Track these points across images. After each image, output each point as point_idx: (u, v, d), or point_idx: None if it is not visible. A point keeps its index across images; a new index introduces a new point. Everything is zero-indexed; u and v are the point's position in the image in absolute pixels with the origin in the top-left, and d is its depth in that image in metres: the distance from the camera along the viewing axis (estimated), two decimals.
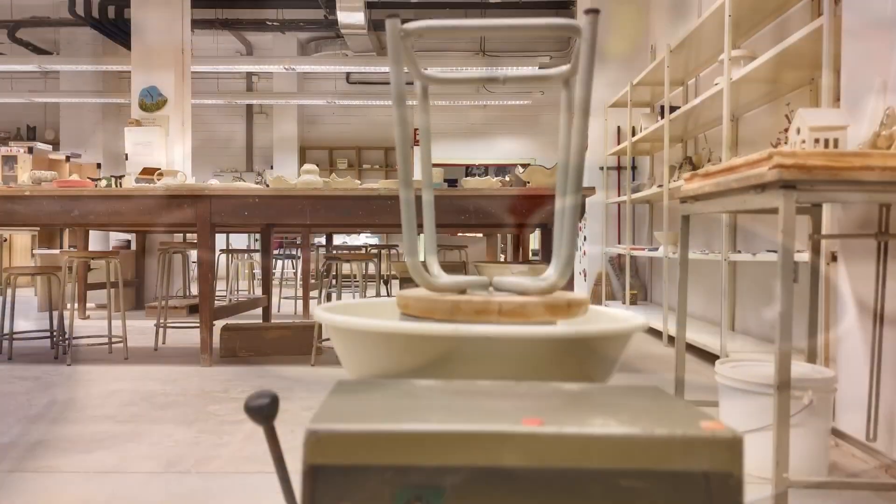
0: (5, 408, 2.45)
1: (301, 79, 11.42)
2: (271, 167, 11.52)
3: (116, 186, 3.38)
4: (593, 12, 0.90)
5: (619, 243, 6.08)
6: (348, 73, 11.46)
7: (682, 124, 4.48)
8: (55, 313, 3.95)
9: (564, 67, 1.08)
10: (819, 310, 2.16)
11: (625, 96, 5.41)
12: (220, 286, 8.41)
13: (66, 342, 3.38)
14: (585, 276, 6.19)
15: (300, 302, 6.28)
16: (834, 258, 2.23)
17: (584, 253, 6.20)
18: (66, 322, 3.49)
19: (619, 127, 6.14)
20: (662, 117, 4.66)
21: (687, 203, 2.02)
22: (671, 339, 4.10)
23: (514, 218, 3.22)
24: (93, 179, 3.45)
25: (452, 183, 3.86)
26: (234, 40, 11.31)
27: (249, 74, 11.72)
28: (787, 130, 2.98)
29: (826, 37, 2.37)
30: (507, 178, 3.68)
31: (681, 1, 5.13)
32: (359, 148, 11.60)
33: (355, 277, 6.90)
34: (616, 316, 1.11)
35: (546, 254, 3.85)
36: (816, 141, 1.56)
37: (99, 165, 10.96)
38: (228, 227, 5.22)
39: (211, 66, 7.71)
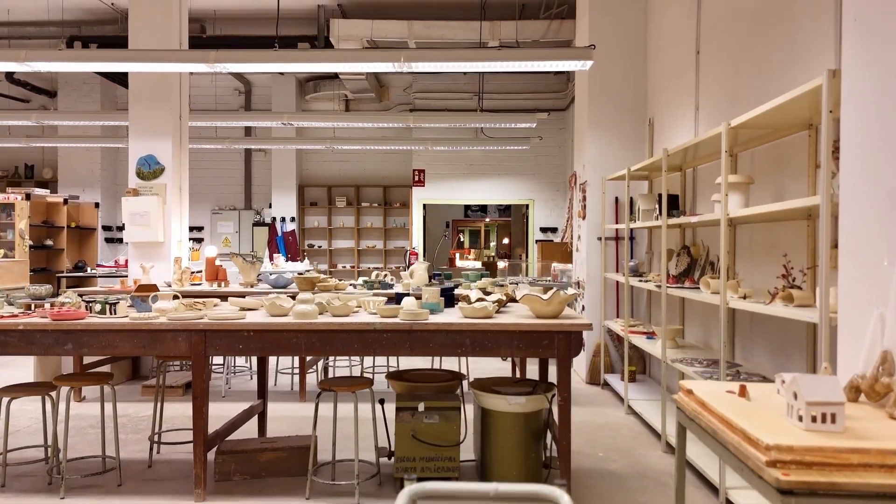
0: None
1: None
2: (270, 205, 11.50)
3: (111, 312, 3.36)
4: (564, 485, 0.87)
5: (618, 317, 6.06)
6: (346, 105, 11.45)
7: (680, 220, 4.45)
8: (49, 430, 3.92)
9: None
10: None
11: (623, 173, 5.39)
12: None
13: (60, 467, 3.36)
14: (584, 345, 6.15)
15: (297, 377, 6.24)
16: None
17: None
18: (62, 431, 3.46)
19: (616, 198, 6.13)
20: (660, 208, 4.64)
21: (684, 416, 1.99)
22: (670, 446, 4.08)
23: (512, 352, 3.19)
24: (87, 302, 3.43)
25: (450, 296, 3.84)
26: (231, 79, 11.30)
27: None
28: (784, 276, 2.96)
29: (823, 215, 2.35)
30: (503, 297, 3.66)
31: (677, 75, 5.12)
32: (357, 186, 11.58)
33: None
34: None
35: (543, 375, 3.83)
36: (814, 419, 1.54)
37: (97, 205, 10.94)
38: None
39: (209, 122, 7.69)
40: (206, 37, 9.56)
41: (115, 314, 3.36)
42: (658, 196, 4.74)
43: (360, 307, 3.72)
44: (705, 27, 4.62)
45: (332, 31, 8.60)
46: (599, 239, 6.10)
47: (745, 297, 3.19)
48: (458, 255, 13.96)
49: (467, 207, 13.09)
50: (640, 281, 4.90)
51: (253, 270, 5.73)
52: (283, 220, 11.21)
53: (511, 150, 10.61)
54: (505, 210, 16.09)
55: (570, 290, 3.38)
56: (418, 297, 3.84)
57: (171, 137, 6.28)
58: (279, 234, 11.06)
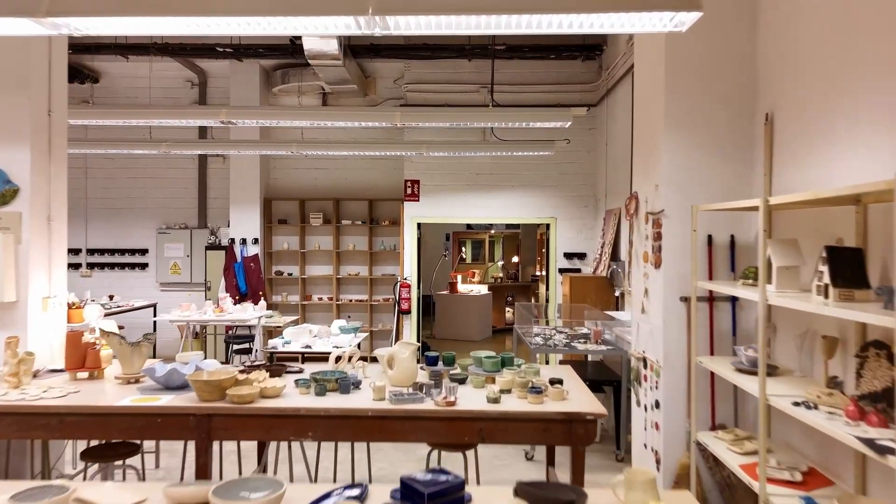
0: None
1: None
2: (229, 223, 9.34)
3: None
4: None
5: (715, 427, 3.92)
6: (324, 100, 9.32)
7: None
8: None
9: None
10: None
11: (736, 205, 3.26)
12: None
13: None
14: (659, 461, 4.03)
15: None
16: None
17: (657, 427, 4.05)
18: None
19: (710, 237, 3.99)
20: (832, 276, 2.51)
21: None
22: None
23: None
24: None
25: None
26: (180, 67, 9.17)
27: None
28: None
29: None
30: None
31: (832, 43, 2.98)
32: (337, 199, 9.43)
33: None
34: None
35: None
36: None
37: None
38: None
39: (104, 121, 5.53)
40: None
41: None
42: (848, 256, 2.60)
43: None
44: None
45: None
46: (684, 300, 3.96)
47: None
48: (459, 279, 11.82)
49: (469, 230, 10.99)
50: (807, 407, 2.70)
51: (137, 355, 3.58)
52: (244, 241, 9.06)
53: (528, 156, 8.47)
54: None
55: None
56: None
57: (30, 144, 4.15)
58: (238, 259, 8.91)
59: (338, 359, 3.89)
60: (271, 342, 6.57)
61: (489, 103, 8.10)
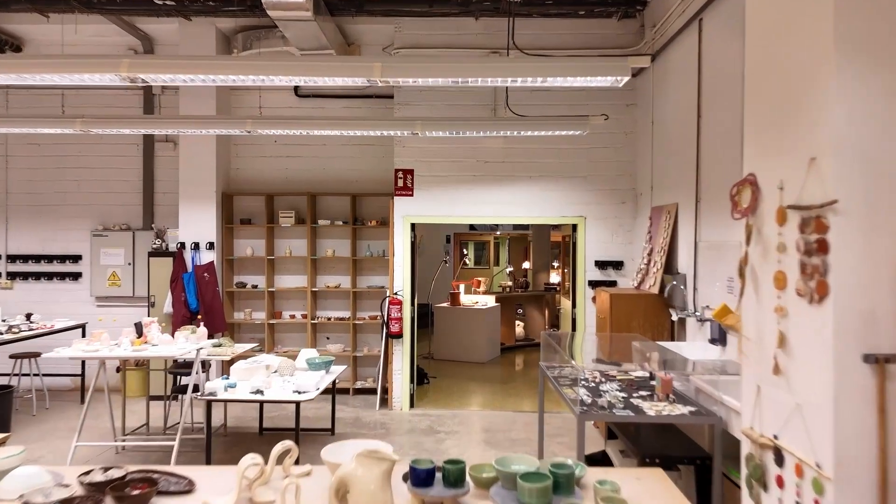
0: None
1: (222, 93, 7.52)
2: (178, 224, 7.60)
3: None
4: None
5: None
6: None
7: None
8: None
9: None
10: None
11: None
12: None
13: None
14: None
15: None
16: None
17: None
18: None
19: None
20: None
21: None
22: None
23: None
24: None
25: None
26: (120, 31, 7.42)
27: (148, 88, 7.86)
28: None
29: None
30: None
31: None
32: (312, 194, 7.70)
33: None
34: None
35: None
36: None
37: None
38: None
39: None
40: None
41: None
42: None
43: None
44: None
45: None
46: (874, 361, 2.24)
47: None
48: (462, 289, 10.09)
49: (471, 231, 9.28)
50: None
51: None
52: (196, 246, 7.33)
53: (550, 138, 6.75)
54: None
55: None
56: None
57: None
58: (189, 269, 7.19)
59: (250, 468, 2.16)
60: (209, 385, 4.86)
61: (507, 46, 6.40)
